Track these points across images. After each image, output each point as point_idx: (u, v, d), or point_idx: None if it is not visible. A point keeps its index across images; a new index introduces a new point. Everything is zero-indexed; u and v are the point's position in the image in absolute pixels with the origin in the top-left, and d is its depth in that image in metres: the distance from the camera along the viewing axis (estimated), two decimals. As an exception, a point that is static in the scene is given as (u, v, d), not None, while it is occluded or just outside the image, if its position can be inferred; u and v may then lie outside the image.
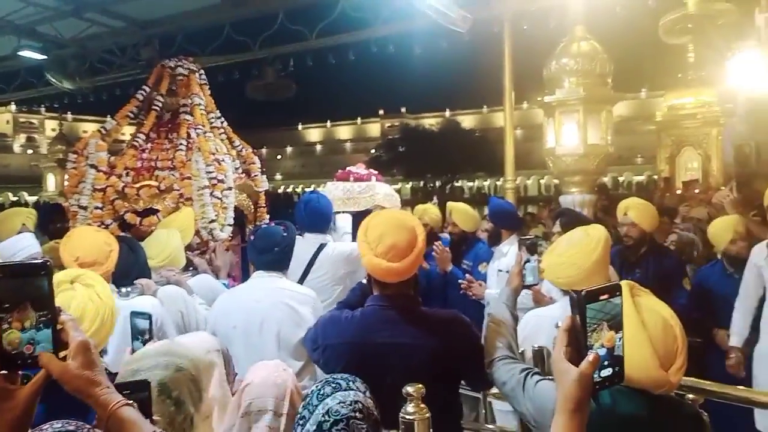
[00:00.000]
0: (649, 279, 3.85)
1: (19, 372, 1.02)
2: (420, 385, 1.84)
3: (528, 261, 2.24)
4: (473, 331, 2.24)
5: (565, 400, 1.09)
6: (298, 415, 1.55)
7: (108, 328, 1.94)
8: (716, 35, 9.20)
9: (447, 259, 4.51)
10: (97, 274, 2.10)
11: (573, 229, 3.58)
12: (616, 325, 1.10)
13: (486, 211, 5.58)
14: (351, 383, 1.59)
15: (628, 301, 1.58)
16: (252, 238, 3.08)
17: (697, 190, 8.90)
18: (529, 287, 2.23)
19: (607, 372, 1.10)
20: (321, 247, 3.69)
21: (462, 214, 4.94)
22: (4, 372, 1.00)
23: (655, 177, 13.62)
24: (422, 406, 1.84)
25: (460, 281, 3.98)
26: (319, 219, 3.81)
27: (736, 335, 3.84)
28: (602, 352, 1.09)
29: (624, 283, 1.62)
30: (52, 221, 5.41)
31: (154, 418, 1.32)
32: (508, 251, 4.39)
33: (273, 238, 2.99)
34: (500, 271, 4.27)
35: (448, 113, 65.33)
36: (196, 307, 3.13)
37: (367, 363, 1.71)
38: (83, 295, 1.91)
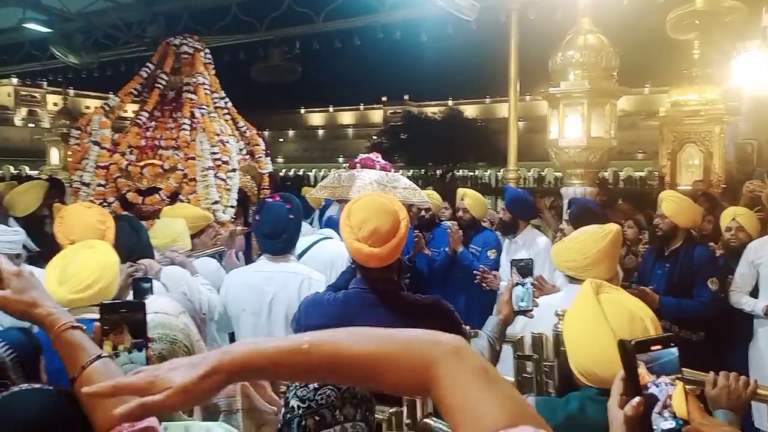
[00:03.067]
0: (675, 274, 3.86)
1: None
2: None
3: (520, 284, 2.06)
4: (454, 317, 2.26)
5: None
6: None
7: (111, 277, 2.12)
8: (722, 33, 9.18)
9: (459, 239, 4.64)
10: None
11: (580, 218, 3.80)
12: (678, 375, 1.05)
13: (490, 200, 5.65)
14: None
15: (591, 298, 1.56)
16: (257, 218, 3.07)
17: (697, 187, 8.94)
18: (522, 313, 2.07)
19: (668, 425, 1.03)
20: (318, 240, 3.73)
21: (474, 199, 5.03)
22: None
23: (656, 173, 13.64)
24: None
25: (475, 272, 4.01)
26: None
27: (754, 303, 3.86)
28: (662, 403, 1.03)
29: (588, 281, 1.63)
30: (50, 196, 5.44)
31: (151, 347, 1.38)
32: (524, 242, 4.46)
33: (280, 223, 2.97)
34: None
35: (450, 102, 65.06)
36: (199, 288, 3.15)
37: None
38: (83, 252, 2.11)
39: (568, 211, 4.25)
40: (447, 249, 4.74)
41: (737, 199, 6.33)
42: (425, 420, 1.88)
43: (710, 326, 3.84)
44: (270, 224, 2.99)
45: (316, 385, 1.42)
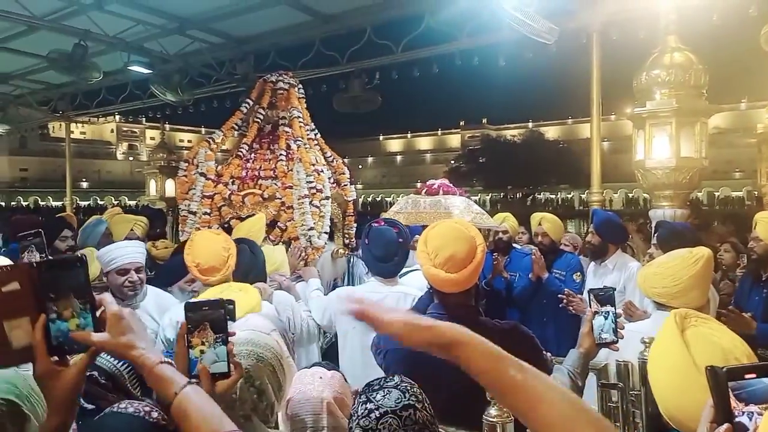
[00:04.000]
0: None
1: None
2: None
3: (602, 314, 1.98)
4: (535, 342, 2.23)
5: None
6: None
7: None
8: (825, 43, 8.61)
9: (543, 265, 4.59)
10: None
11: (669, 242, 3.71)
12: (764, 405, 1.01)
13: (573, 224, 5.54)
14: (402, 381, 1.57)
15: (677, 338, 1.43)
16: (366, 242, 3.21)
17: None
18: (605, 345, 1.98)
19: None
20: None
21: (553, 223, 4.99)
22: (55, 358, 1.14)
23: (755, 192, 12.82)
24: (505, 409, 1.90)
25: (560, 296, 3.96)
26: None
27: None
28: None
29: (673, 313, 1.50)
30: (152, 227, 5.88)
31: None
32: (614, 266, 4.35)
33: (391, 247, 3.11)
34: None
35: (530, 125, 64.06)
36: (301, 314, 3.31)
37: (423, 370, 1.77)
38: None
39: (656, 234, 4.10)
40: (530, 276, 4.70)
41: None
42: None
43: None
44: (382, 248, 3.12)
45: (377, 414, 1.45)
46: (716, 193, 44.06)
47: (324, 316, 3.26)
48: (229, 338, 1.39)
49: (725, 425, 1.00)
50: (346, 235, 5.87)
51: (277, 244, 4.75)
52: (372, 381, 1.57)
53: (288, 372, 2.18)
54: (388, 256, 3.11)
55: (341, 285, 4.54)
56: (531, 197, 47.42)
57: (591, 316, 2.00)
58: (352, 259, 5.78)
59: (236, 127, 6.00)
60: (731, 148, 35.29)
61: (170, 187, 11.31)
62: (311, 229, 5.12)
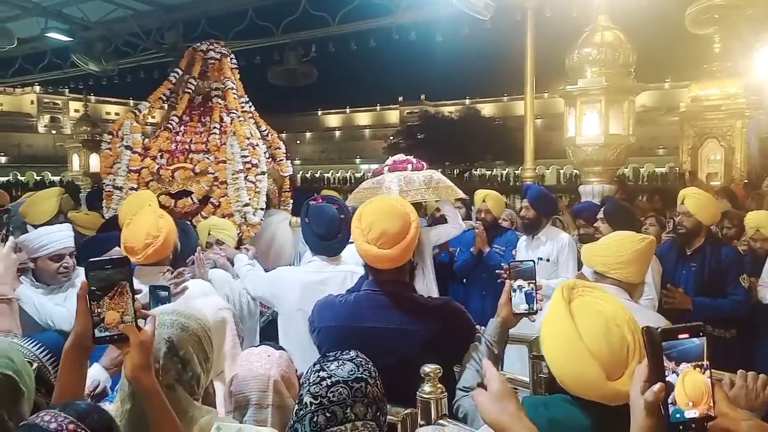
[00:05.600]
0: (705, 273, 3.82)
1: None
2: (437, 366, 1.90)
3: (520, 287, 2.02)
4: (466, 317, 2.26)
5: (635, 430, 1.10)
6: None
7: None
8: (744, 26, 9.05)
9: (485, 240, 4.69)
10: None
11: (615, 215, 4.00)
12: (702, 363, 1.04)
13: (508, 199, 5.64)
14: (357, 356, 1.58)
15: (563, 308, 1.49)
16: (307, 221, 3.12)
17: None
18: (524, 315, 2.02)
19: (693, 413, 1.03)
20: None
21: (496, 200, 5.06)
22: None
23: (677, 168, 13.48)
24: (439, 385, 1.89)
25: (497, 271, 4.02)
26: None
27: None
28: (687, 392, 1.04)
29: (561, 285, 1.57)
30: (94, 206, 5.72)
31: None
32: (547, 238, 4.47)
33: (333, 225, 3.02)
34: (540, 259, 4.32)
35: (468, 101, 64.85)
36: (240, 291, 3.21)
37: (357, 346, 1.78)
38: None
39: (603, 209, 4.23)
40: (472, 249, 4.77)
41: (759, 194, 6.23)
42: (440, 421, 1.87)
43: (741, 324, 3.80)
44: (324, 226, 3.03)
45: (329, 382, 1.45)
46: (641, 170, 46.11)
47: (265, 293, 3.17)
48: (136, 299, 1.36)
49: (659, 384, 1.03)
50: (283, 210, 5.77)
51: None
52: (329, 353, 1.57)
53: (220, 346, 2.10)
54: (331, 233, 3.03)
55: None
56: (468, 173, 48.19)
57: (509, 286, 2.03)
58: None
59: (164, 99, 5.71)
60: (655, 126, 36.94)
61: (95, 162, 10.80)
62: (246, 205, 4.97)
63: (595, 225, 4.25)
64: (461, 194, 4.24)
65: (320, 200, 3.20)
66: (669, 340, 1.03)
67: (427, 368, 1.88)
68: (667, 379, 1.03)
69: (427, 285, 3.83)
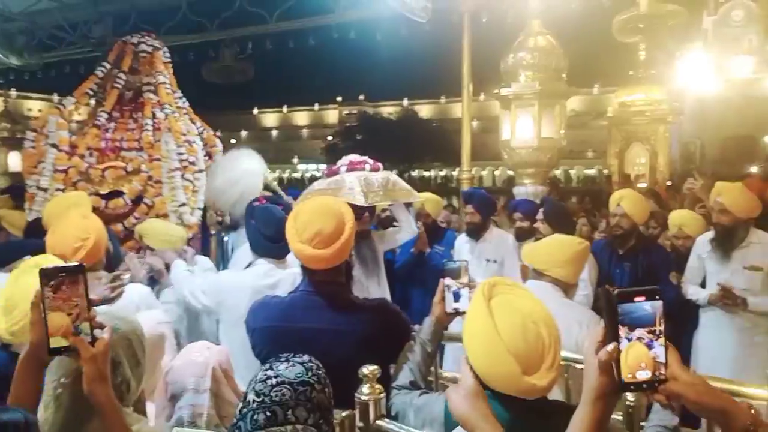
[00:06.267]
0: (639, 272, 3.97)
1: None
2: (375, 367, 1.89)
3: (452, 286, 2.04)
4: (401, 318, 2.27)
5: (587, 390, 1.13)
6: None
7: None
8: (666, 36, 9.53)
9: (426, 241, 4.73)
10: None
11: (554, 216, 4.13)
12: (655, 328, 1.07)
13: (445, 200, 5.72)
14: (310, 360, 1.56)
15: (483, 306, 1.54)
16: (252, 222, 3.02)
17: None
18: (456, 314, 2.04)
19: (645, 375, 1.06)
20: None
21: (435, 203, 5.13)
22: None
23: (605, 171, 14.05)
24: (377, 386, 1.89)
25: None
26: None
27: (698, 293, 3.97)
28: (640, 354, 1.07)
29: (482, 283, 1.62)
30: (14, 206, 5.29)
31: None
32: (493, 241, 4.59)
33: (281, 227, 2.93)
34: (488, 260, 4.41)
35: (406, 102, 65.39)
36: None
37: (289, 348, 1.76)
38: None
39: (542, 210, 4.32)
40: (413, 250, 4.81)
41: (681, 195, 6.55)
42: (378, 422, 1.87)
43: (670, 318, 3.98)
44: (273, 227, 2.95)
45: (273, 381, 1.43)
46: (572, 171, 47.77)
47: (210, 301, 3.01)
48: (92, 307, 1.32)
49: (612, 344, 1.06)
50: (219, 213, 5.62)
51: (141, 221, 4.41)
52: (281, 354, 1.55)
53: (157, 361, 2.02)
54: (279, 235, 2.95)
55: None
56: (407, 174, 48.60)
57: (442, 286, 2.04)
58: (225, 237, 5.56)
59: (91, 94, 5.43)
60: (585, 130, 38.29)
61: (15, 161, 10.21)
62: (183, 205, 4.79)
63: (534, 225, 4.35)
64: (418, 197, 4.23)
65: (264, 201, 3.14)
66: (625, 303, 1.06)
67: (366, 369, 1.88)
68: (621, 341, 1.06)
69: (382, 296, 3.73)
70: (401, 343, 2.11)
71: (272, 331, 2.19)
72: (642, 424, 1.61)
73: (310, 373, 1.48)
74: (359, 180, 3.76)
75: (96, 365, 1.29)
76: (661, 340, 1.07)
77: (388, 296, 3.85)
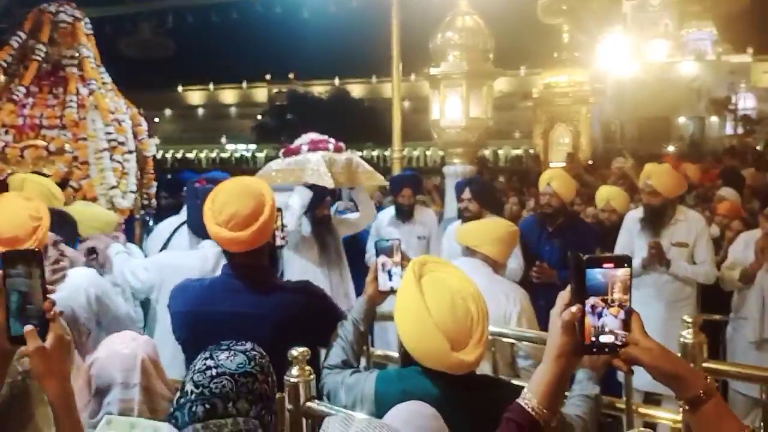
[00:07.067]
0: (568, 247, 4.05)
1: None
2: (304, 349, 1.87)
3: (385, 264, 2.04)
4: (327, 300, 2.26)
5: (550, 348, 1.16)
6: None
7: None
8: (588, 18, 9.83)
9: None
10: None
11: (483, 194, 4.20)
12: (622, 295, 1.10)
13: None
14: (253, 348, 1.53)
15: (413, 284, 1.57)
16: (199, 203, 2.88)
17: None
18: (390, 293, 2.03)
19: (608, 339, 1.10)
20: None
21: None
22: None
23: (531, 151, 14.43)
24: (307, 368, 1.87)
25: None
26: None
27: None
28: (605, 318, 1.10)
29: (412, 261, 1.67)
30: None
31: None
32: (422, 220, 4.72)
33: None
34: (419, 238, 4.56)
35: (337, 81, 64.81)
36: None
37: (209, 332, 1.69)
38: None
39: (470, 189, 4.30)
40: None
41: (603, 174, 6.82)
42: (308, 404, 1.86)
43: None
44: None
45: (214, 372, 1.39)
46: (500, 152, 48.92)
47: (153, 279, 2.87)
48: (48, 297, 1.21)
49: (576, 305, 1.10)
50: (145, 195, 5.36)
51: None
52: (223, 342, 1.51)
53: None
54: None
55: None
56: (338, 154, 48.34)
57: (375, 265, 2.05)
58: (150, 220, 5.32)
59: (4, 67, 5.01)
60: (512, 111, 39.14)
61: None
62: (113, 188, 4.54)
63: (462, 205, 4.36)
64: (382, 179, 4.12)
65: (204, 182, 3.03)
66: (593, 268, 1.08)
67: (295, 352, 1.86)
68: (587, 305, 1.09)
69: (345, 289, 3.62)
70: (327, 325, 2.09)
71: (190, 315, 2.13)
72: (566, 393, 1.65)
73: (252, 363, 1.45)
74: (324, 160, 3.56)
75: (44, 359, 1.18)
76: (614, 309, 1.10)
77: (351, 286, 3.71)
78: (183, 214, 3.64)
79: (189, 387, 1.39)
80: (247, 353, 1.46)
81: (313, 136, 3.84)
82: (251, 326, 2.01)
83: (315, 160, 3.56)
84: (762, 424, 2.11)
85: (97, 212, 3.68)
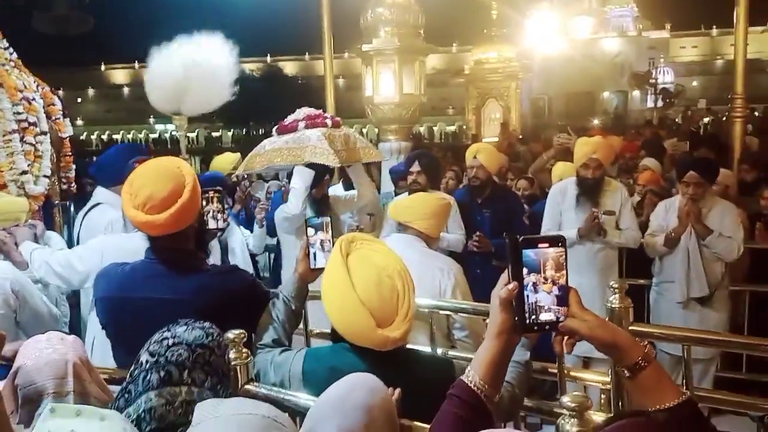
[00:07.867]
0: (497, 216, 4.25)
1: None
2: (241, 331, 1.83)
3: (316, 242, 2.01)
4: (255, 285, 2.22)
5: (490, 326, 1.20)
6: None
7: None
8: (516, -5, 9.98)
9: None
10: None
11: (430, 167, 4.19)
12: (558, 273, 1.13)
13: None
14: (211, 327, 1.51)
15: (340, 262, 1.60)
16: None
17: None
18: (321, 271, 1.97)
19: (548, 316, 1.13)
20: None
21: None
22: None
23: (464, 126, 14.64)
24: (244, 350, 1.84)
25: None
26: None
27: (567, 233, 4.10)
28: (543, 296, 1.13)
29: (340, 239, 1.69)
30: None
31: None
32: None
33: None
34: (370, 215, 4.57)
35: (269, 59, 63.41)
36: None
37: (131, 318, 1.62)
38: None
39: (419, 162, 4.25)
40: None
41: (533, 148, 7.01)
42: (246, 386, 1.84)
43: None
44: None
45: (170, 342, 1.38)
46: (435, 128, 49.40)
47: (94, 262, 2.57)
48: None
49: (513, 283, 1.14)
50: (64, 179, 5.09)
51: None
52: (181, 320, 1.51)
53: None
54: None
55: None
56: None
57: (305, 242, 2.02)
58: (71, 206, 5.07)
59: None
60: (445, 88, 39.50)
61: None
62: (25, 173, 4.27)
63: (411, 178, 4.30)
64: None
65: (141, 162, 2.87)
66: (529, 248, 1.13)
67: (231, 334, 1.82)
68: (525, 284, 1.13)
69: None
70: (256, 309, 2.05)
71: (111, 301, 2.06)
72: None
73: (209, 338, 1.45)
74: (323, 136, 3.38)
75: None
76: (547, 286, 1.14)
77: None
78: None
79: (144, 357, 1.37)
80: (205, 329, 1.47)
81: (308, 111, 3.65)
82: (173, 312, 1.93)
83: (315, 137, 3.40)
84: (684, 380, 2.25)
85: (4, 201, 3.42)
